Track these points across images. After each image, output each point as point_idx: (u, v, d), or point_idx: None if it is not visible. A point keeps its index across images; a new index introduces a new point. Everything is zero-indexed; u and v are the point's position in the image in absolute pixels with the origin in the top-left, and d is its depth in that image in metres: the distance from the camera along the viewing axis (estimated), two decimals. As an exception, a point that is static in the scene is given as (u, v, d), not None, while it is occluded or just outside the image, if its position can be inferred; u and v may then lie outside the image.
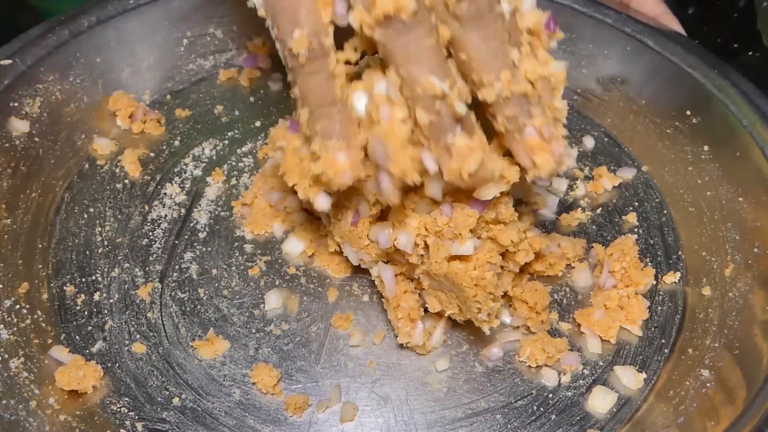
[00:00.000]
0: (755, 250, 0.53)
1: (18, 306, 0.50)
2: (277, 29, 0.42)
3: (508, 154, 0.45)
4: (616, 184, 0.62)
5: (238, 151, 0.63)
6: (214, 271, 0.55)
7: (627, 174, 0.63)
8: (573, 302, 0.55)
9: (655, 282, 0.55)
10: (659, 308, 0.54)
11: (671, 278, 0.55)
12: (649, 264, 0.56)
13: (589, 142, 0.66)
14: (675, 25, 0.67)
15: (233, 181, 0.61)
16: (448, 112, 0.41)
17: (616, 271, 0.54)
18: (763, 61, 0.73)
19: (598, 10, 0.68)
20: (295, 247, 0.56)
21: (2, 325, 0.49)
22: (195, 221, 0.58)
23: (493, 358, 0.51)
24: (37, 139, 0.58)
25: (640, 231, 0.59)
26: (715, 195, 0.58)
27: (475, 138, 0.42)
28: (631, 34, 0.67)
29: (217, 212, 0.59)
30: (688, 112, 0.63)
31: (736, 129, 0.59)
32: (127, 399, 0.48)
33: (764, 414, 0.42)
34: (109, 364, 0.49)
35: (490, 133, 0.45)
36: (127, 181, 0.60)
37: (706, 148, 0.60)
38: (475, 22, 0.40)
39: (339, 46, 0.43)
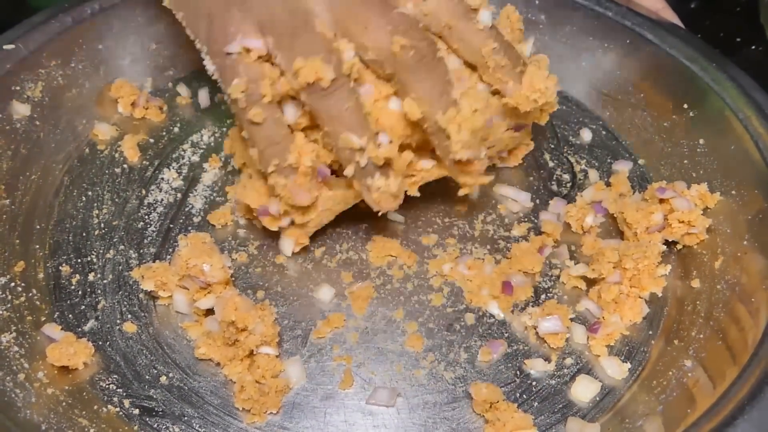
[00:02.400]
0: (744, 242, 0.53)
1: (13, 284, 0.52)
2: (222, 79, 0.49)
3: None
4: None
5: (236, 138, 0.64)
6: (207, 255, 0.55)
7: (623, 167, 0.63)
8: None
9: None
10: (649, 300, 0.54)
11: (662, 270, 0.55)
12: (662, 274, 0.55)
13: (586, 135, 0.66)
14: (674, 20, 0.67)
15: (229, 168, 0.62)
16: (367, 160, 0.48)
17: (627, 269, 0.54)
18: (765, 56, 0.73)
19: (600, 3, 0.68)
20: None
21: (-3, 302, 0.50)
22: (190, 206, 0.59)
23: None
24: (38, 123, 0.60)
25: (633, 223, 0.59)
26: (709, 188, 0.58)
27: (391, 178, 0.49)
28: (631, 27, 0.67)
29: (212, 197, 0.60)
30: (686, 105, 0.62)
31: (732, 122, 0.58)
32: (116, 376, 0.49)
33: (738, 402, 0.42)
34: (100, 343, 0.50)
35: None
36: (125, 165, 0.61)
37: (701, 141, 0.60)
38: (421, 67, 0.47)
39: None
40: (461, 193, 0.53)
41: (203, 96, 0.67)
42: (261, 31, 0.47)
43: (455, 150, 0.49)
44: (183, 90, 0.67)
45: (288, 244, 0.55)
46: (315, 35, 0.47)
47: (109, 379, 0.49)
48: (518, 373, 0.50)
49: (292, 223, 0.53)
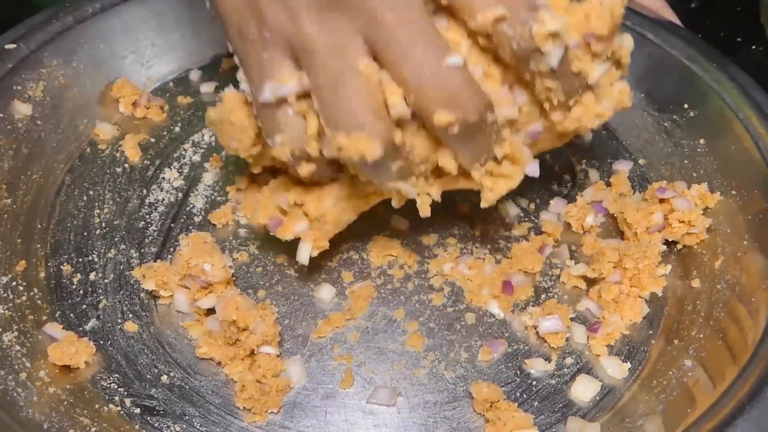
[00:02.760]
0: (744, 242, 0.53)
1: (15, 283, 0.52)
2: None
3: None
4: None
5: (237, 137, 0.64)
6: (208, 254, 0.55)
7: (623, 167, 0.63)
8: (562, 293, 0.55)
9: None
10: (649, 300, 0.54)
11: (662, 270, 0.55)
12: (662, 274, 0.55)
13: (586, 135, 0.66)
14: (673, 19, 0.67)
15: (230, 167, 0.62)
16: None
17: (628, 269, 0.54)
18: (765, 56, 0.73)
19: (600, 3, 0.68)
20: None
21: (-2, 301, 0.50)
22: (191, 205, 0.59)
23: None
24: (39, 122, 0.60)
25: (633, 223, 0.59)
26: (709, 188, 0.58)
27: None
28: (632, 26, 0.67)
29: (213, 197, 0.60)
30: (686, 105, 0.62)
31: (732, 122, 0.59)
32: (117, 375, 0.49)
33: (738, 402, 0.42)
34: (102, 342, 0.50)
35: None
36: (127, 165, 0.61)
37: (702, 141, 0.60)
38: (467, 139, 0.43)
39: None
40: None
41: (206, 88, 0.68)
42: (294, 60, 0.42)
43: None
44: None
45: (305, 250, 0.51)
46: (358, 82, 0.40)
47: (111, 378, 0.49)
48: (518, 372, 0.50)
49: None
